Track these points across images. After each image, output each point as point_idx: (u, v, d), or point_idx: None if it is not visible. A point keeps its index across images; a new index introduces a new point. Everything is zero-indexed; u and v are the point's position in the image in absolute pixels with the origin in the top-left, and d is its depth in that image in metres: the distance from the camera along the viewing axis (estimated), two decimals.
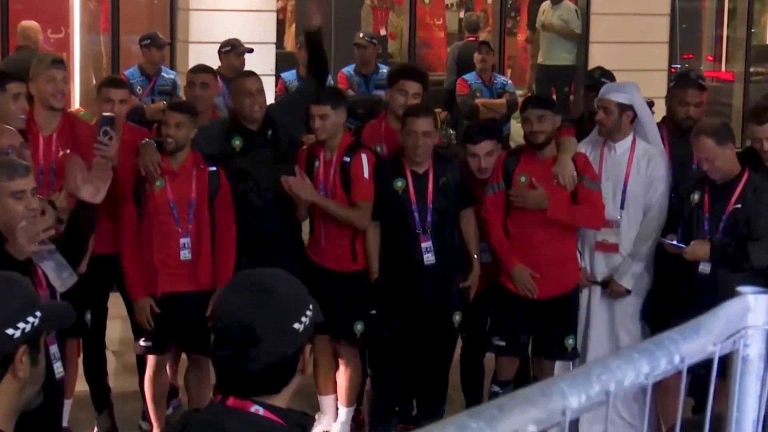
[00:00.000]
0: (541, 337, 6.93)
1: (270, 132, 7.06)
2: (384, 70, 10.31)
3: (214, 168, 6.69)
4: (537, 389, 1.48)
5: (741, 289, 1.96)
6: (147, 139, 6.73)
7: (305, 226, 7.28)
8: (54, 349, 4.67)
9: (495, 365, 7.05)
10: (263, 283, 2.71)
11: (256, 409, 2.65)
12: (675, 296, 6.55)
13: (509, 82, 12.02)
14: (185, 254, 6.60)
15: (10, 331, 2.67)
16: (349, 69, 10.51)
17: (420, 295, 6.83)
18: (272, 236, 6.94)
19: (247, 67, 9.41)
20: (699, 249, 6.42)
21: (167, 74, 10.78)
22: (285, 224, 7.01)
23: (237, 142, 7.02)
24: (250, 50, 10.28)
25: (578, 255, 6.98)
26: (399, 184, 6.82)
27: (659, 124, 7.28)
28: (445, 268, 6.87)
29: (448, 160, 7.02)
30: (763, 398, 1.97)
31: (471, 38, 13.86)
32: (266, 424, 2.64)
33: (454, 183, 6.89)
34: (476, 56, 11.54)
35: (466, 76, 11.56)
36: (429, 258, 6.80)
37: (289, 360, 2.66)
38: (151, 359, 6.82)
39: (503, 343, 6.90)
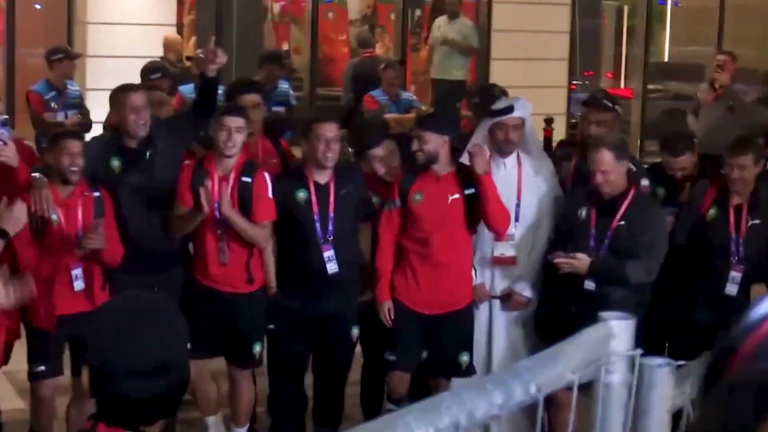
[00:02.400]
0: (435, 354, 6.92)
1: (149, 152, 6.92)
2: (285, 86, 10.25)
3: (97, 193, 6.56)
4: (382, 423, 1.43)
5: (604, 315, 1.94)
6: (38, 175, 6.50)
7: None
8: None
9: (386, 381, 7.02)
10: (146, 310, 2.64)
11: None
12: (563, 311, 6.58)
13: (415, 98, 12.04)
14: (78, 284, 6.45)
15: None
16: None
17: (320, 307, 6.76)
18: (154, 258, 6.80)
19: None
20: (577, 263, 6.49)
21: (72, 86, 10.65)
22: (167, 246, 6.89)
23: (116, 163, 6.87)
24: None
25: (473, 271, 6.98)
26: (301, 195, 6.77)
27: (566, 145, 7.37)
28: (347, 279, 6.83)
29: (349, 172, 7.01)
30: (627, 426, 1.95)
31: (366, 54, 13.87)
32: None
33: (355, 195, 6.88)
34: (388, 73, 11.54)
35: (373, 93, 11.58)
36: (332, 267, 6.75)
37: (185, 384, 2.63)
38: (42, 384, 6.67)
39: (393, 358, 6.89)
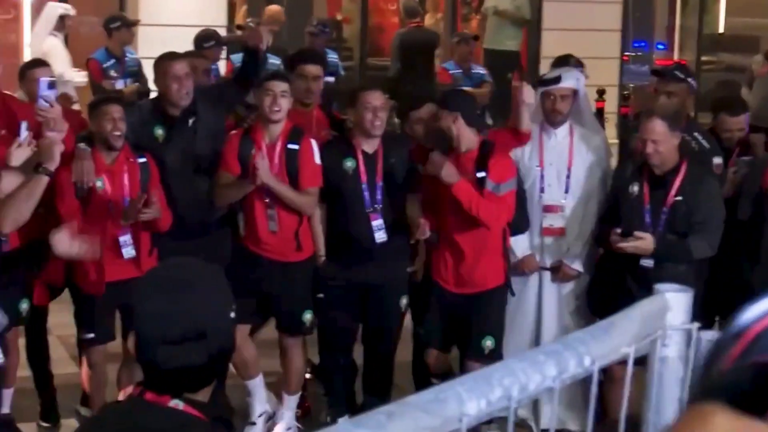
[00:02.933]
0: (460, 335, 6.86)
1: (192, 120, 6.94)
2: (333, 56, 10.23)
3: (143, 159, 6.58)
4: (432, 394, 1.40)
5: (659, 287, 1.89)
6: (82, 145, 6.52)
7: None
8: None
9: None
10: (185, 278, 2.62)
11: (175, 403, 2.58)
12: (619, 286, 6.51)
13: (486, 71, 12.00)
14: (128, 251, 6.49)
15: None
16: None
17: (368, 277, 6.75)
18: (198, 225, 6.83)
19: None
20: (642, 244, 6.40)
21: (131, 54, 10.72)
22: (211, 213, 6.90)
23: (159, 132, 6.90)
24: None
25: (508, 251, 6.88)
26: (349, 164, 6.75)
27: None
28: (396, 249, 6.81)
29: (397, 142, 7.01)
30: (683, 401, 1.91)
31: (413, 23, 13.82)
32: (184, 417, 2.57)
33: (402, 165, 6.84)
34: (462, 47, 11.62)
35: (446, 65, 11.63)
36: (380, 236, 6.74)
37: (228, 351, 2.61)
38: (92, 350, 6.72)
39: (421, 332, 6.92)
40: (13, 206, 5.34)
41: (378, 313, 6.88)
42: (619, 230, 6.48)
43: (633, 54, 17.06)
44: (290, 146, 6.74)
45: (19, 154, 5.68)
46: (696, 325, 1.91)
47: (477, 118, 6.97)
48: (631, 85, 15.14)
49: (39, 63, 7.35)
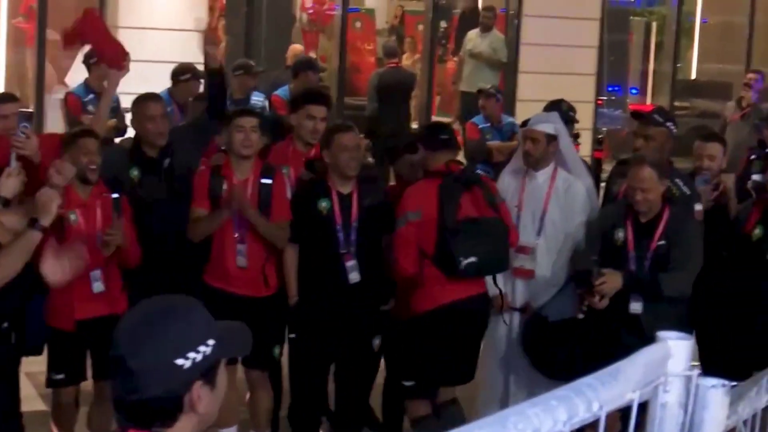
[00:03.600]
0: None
1: (167, 161, 6.99)
2: (259, 98, 10.28)
3: (116, 195, 6.59)
4: None
5: (661, 334, 1.94)
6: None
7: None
8: None
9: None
10: (154, 313, 2.63)
11: None
12: (608, 333, 6.52)
13: (516, 122, 11.90)
14: (98, 286, 6.47)
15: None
16: None
17: (342, 317, 6.75)
18: (176, 262, 6.85)
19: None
20: (610, 280, 6.45)
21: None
22: (183, 251, 6.89)
23: (135, 173, 6.96)
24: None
25: (491, 282, 6.96)
26: (324, 204, 6.76)
27: (623, 163, 7.41)
28: (369, 289, 6.82)
29: (372, 182, 7.04)
30: None
31: (391, 64, 13.89)
32: None
33: (378, 206, 6.88)
34: (490, 102, 11.41)
35: (475, 120, 11.44)
36: (354, 277, 6.74)
37: (175, 395, 2.55)
38: (62, 391, 6.68)
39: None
40: (6, 264, 5.19)
41: (351, 352, 6.87)
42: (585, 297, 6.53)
43: (607, 98, 17.21)
44: (263, 180, 6.78)
45: (9, 184, 5.68)
46: (696, 372, 1.97)
47: None
48: (605, 129, 15.25)
49: (9, 98, 7.30)
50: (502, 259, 6.78)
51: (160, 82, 9.83)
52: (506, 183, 7.21)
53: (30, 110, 6.41)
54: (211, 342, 2.58)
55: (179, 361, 2.53)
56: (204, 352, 2.56)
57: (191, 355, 2.54)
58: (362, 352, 6.90)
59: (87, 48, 7.95)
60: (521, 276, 7.07)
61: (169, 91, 9.81)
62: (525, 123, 7.41)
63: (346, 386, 7.01)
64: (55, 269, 5.03)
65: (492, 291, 6.96)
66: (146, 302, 2.71)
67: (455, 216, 6.62)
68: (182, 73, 9.86)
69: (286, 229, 6.78)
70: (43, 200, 5.25)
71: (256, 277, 6.79)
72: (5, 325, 6.09)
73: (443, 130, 7.26)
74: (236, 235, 6.74)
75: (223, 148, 7.11)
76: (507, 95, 14.58)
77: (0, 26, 13.96)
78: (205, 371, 2.57)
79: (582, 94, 14.96)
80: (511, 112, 13.68)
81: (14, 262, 5.18)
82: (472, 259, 6.57)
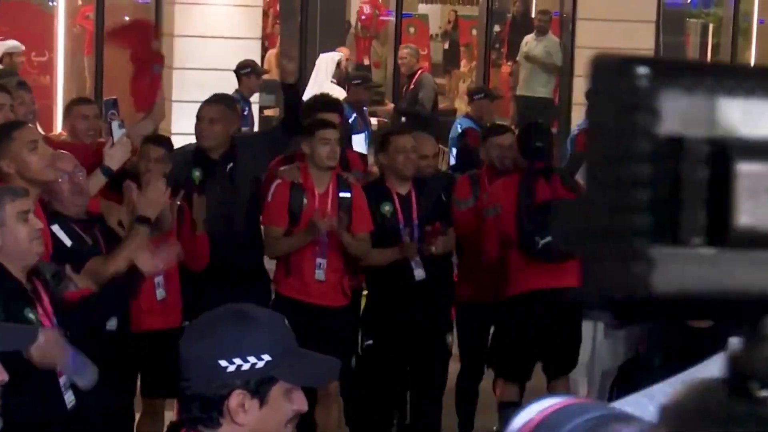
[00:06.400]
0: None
1: (230, 166, 6.98)
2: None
3: (178, 203, 6.59)
4: None
5: (733, 339, 1.90)
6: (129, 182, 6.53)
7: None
8: (64, 379, 4.62)
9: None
10: (226, 314, 2.67)
11: None
12: None
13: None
14: (160, 292, 6.44)
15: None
16: None
17: (412, 316, 6.82)
18: (235, 268, 6.83)
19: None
20: None
21: None
22: (245, 259, 6.91)
23: (197, 174, 6.96)
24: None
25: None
26: (387, 207, 6.87)
27: None
28: (435, 285, 6.91)
29: (429, 181, 7.13)
30: None
31: None
32: None
33: (436, 202, 7.02)
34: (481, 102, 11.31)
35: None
36: (419, 274, 6.83)
37: (214, 396, 2.54)
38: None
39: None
40: (122, 261, 5.23)
41: (425, 353, 6.94)
42: None
43: None
44: (342, 194, 6.79)
45: (114, 154, 5.82)
46: None
47: None
48: None
49: (87, 99, 7.44)
50: None
51: (215, 90, 9.86)
52: None
53: (114, 97, 6.43)
54: (266, 357, 2.56)
55: (223, 363, 2.53)
56: (253, 363, 2.55)
57: (237, 361, 2.54)
58: (437, 350, 6.99)
59: None
60: None
61: (237, 90, 9.98)
62: None
63: (423, 387, 7.09)
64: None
65: None
66: (232, 305, 2.76)
67: (533, 199, 6.83)
68: (243, 67, 10.41)
69: (368, 240, 6.82)
70: (153, 195, 5.26)
71: (335, 288, 6.82)
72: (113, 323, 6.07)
73: (540, 135, 7.32)
74: (316, 249, 6.76)
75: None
76: (563, 99, 14.55)
77: (59, 34, 14.09)
78: (253, 384, 2.55)
79: None
80: (567, 116, 13.63)
81: (127, 260, 5.20)
82: (548, 238, 6.68)
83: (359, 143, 9.83)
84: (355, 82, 10.81)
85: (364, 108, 11.17)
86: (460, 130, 10.33)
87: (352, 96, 10.78)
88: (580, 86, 14.56)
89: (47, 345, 4.34)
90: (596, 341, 7.16)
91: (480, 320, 7.42)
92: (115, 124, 5.99)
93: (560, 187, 6.87)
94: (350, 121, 9.88)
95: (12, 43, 11.57)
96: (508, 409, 6.94)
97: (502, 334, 7.16)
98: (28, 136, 5.36)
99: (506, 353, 7.04)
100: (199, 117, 7.02)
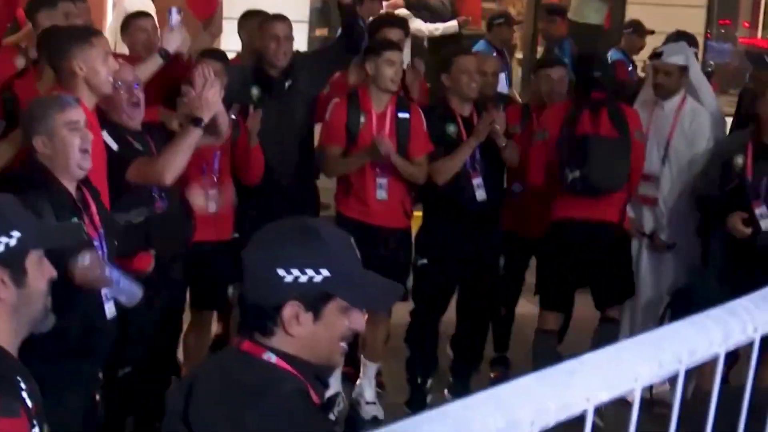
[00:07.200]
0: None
1: (288, 83, 6.92)
2: None
3: (233, 117, 6.56)
4: (604, 353, 1.37)
5: None
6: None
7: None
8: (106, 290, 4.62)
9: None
10: (294, 226, 2.65)
11: (268, 356, 2.58)
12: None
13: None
14: (212, 206, 6.43)
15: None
16: None
17: (469, 237, 6.87)
18: (288, 186, 6.85)
19: None
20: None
21: None
22: (297, 178, 6.91)
23: (255, 92, 6.91)
24: None
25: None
26: (452, 129, 6.88)
27: None
28: (494, 208, 6.99)
29: (488, 102, 7.09)
30: None
31: None
32: (278, 373, 2.56)
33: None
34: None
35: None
36: (480, 194, 6.86)
37: (268, 304, 2.57)
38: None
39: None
40: (172, 161, 5.21)
41: (478, 273, 6.97)
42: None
43: (716, 31, 16.82)
44: (400, 115, 6.74)
45: (171, 39, 5.97)
46: None
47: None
48: (713, 63, 14.94)
49: (144, 13, 7.42)
50: (610, 178, 6.72)
51: (265, 7, 9.79)
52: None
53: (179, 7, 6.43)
54: (324, 272, 2.56)
55: (281, 272, 2.53)
56: (311, 277, 2.54)
57: (295, 272, 2.53)
58: (490, 273, 7.05)
59: None
60: (646, 203, 7.21)
61: None
62: (654, 55, 7.30)
63: (473, 309, 7.10)
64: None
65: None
66: (303, 218, 2.76)
67: (572, 132, 6.74)
68: None
69: (425, 164, 6.78)
70: (207, 95, 5.22)
71: (396, 208, 6.80)
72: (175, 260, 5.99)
73: (599, 65, 7.23)
74: (377, 170, 6.73)
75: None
76: (615, 26, 14.33)
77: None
78: (310, 298, 2.56)
79: (691, 26, 14.58)
80: (619, 43, 13.43)
81: (180, 160, 5.21)
82: (577, 173, 6.66)
83: (500, 83, 9.65)
84: (497, 21, 10.51)
85: (505, 49, 10.92)
86: None
87: (495, 35, 10.57)
88: (633, 13, 14.34)
89: (90, 266, 4.35)
90: (638, 273, 7.15)
91: (521, 248, 7.48)
92: (173, 10, 6.02)
93: (605, 122, 6.75)
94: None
95: None
96: (543, 335, 6.93)
97: (540, 262, 7.21)
98: (105, 47, 5.35)
99: (543, 280, 7.05)
100: (269, 34, 6.92)
